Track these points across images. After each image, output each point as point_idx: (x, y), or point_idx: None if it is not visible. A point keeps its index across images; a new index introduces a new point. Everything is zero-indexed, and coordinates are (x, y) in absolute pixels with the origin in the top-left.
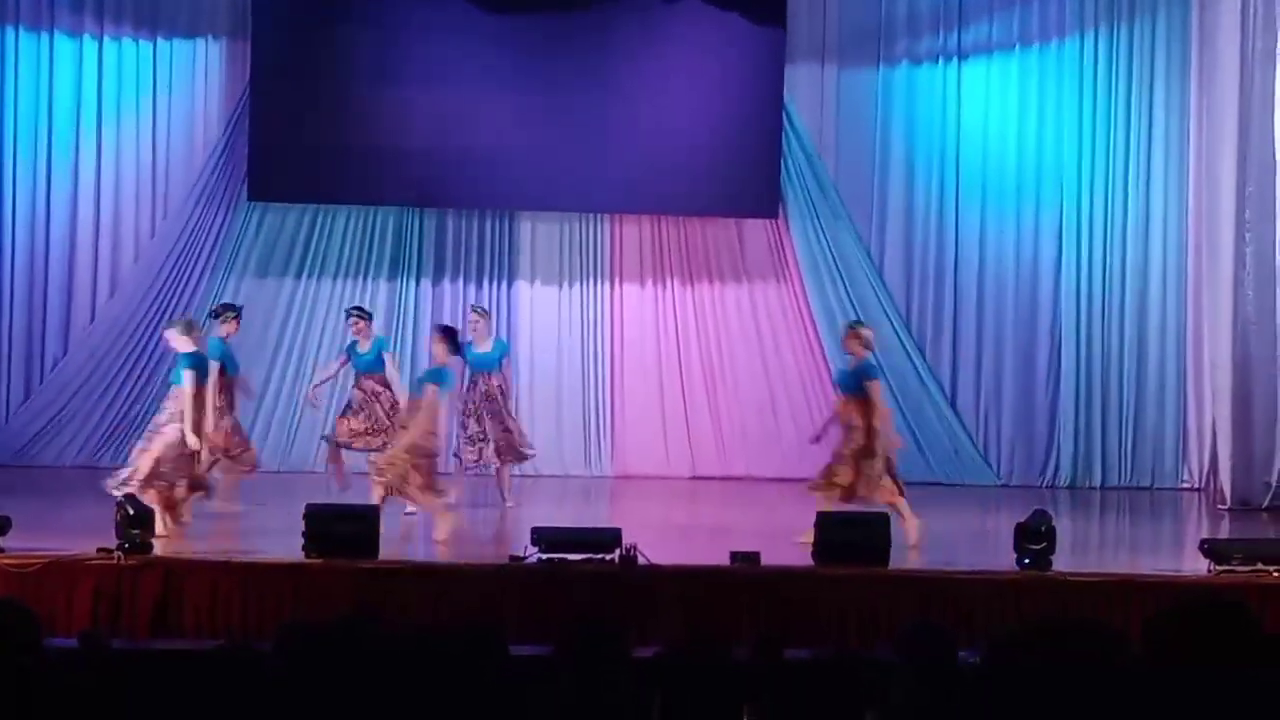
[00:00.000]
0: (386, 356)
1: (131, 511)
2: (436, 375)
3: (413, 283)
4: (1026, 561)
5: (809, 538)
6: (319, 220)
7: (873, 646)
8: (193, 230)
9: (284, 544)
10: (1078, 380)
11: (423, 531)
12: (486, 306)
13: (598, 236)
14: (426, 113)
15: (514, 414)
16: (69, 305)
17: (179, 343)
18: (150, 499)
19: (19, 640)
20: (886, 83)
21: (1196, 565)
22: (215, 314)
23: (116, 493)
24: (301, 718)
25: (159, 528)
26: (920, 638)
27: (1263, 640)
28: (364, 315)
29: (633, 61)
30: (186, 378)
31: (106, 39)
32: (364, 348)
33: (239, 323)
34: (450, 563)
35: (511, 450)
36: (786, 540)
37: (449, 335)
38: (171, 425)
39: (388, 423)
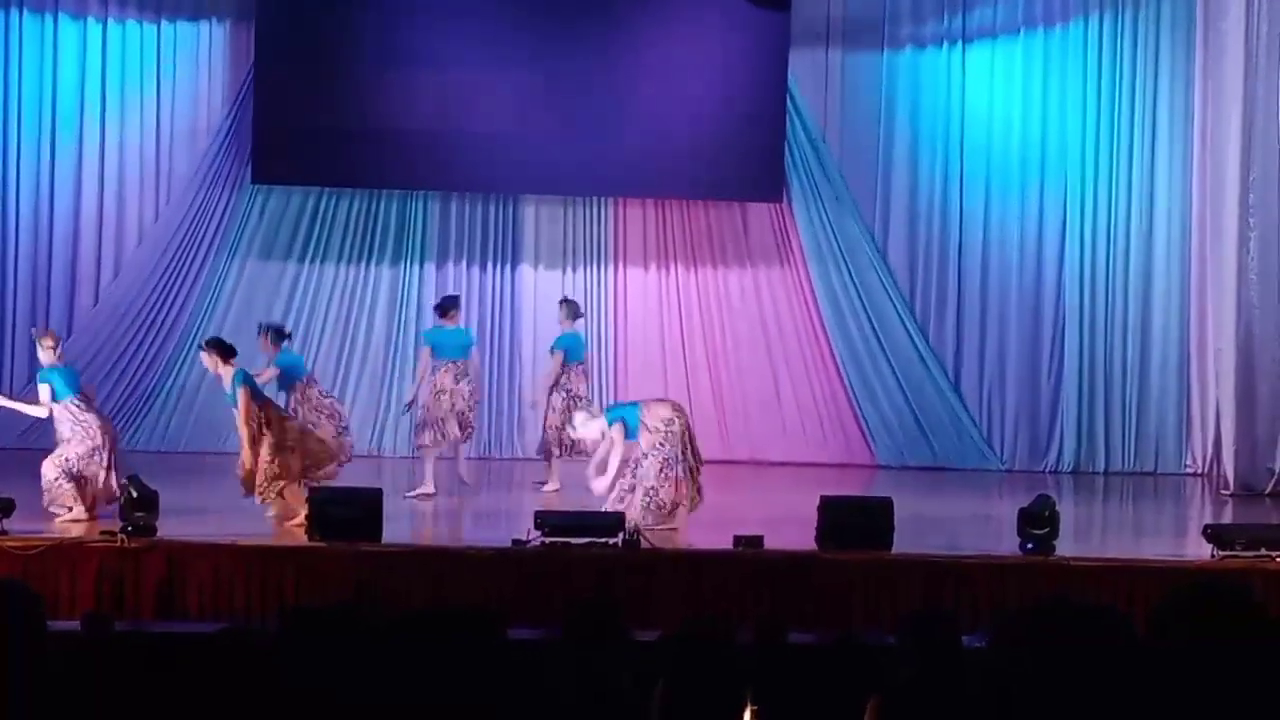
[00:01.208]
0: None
1: (135, 494)
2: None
3: (416, 266)
4: (1030, 546)
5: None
6: (322, 203)
7: (876, 630)
8: (196, 213)
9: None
10: (1081, 365)
11: (428, 515)
12: (574, 295)
13: (601, 220)
14: (430, 96)
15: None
16: (73, 288)
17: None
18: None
19: (23, 622)
20: (891, 67)
21: (1200, 550)
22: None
23: None
24: (304, 700)
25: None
26: (924, 622)
27: (1266, 625)
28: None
29: (637, 45)
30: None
31: (110, 21)
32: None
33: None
34: (453, 546)
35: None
36: (790, 524)
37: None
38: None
39: None
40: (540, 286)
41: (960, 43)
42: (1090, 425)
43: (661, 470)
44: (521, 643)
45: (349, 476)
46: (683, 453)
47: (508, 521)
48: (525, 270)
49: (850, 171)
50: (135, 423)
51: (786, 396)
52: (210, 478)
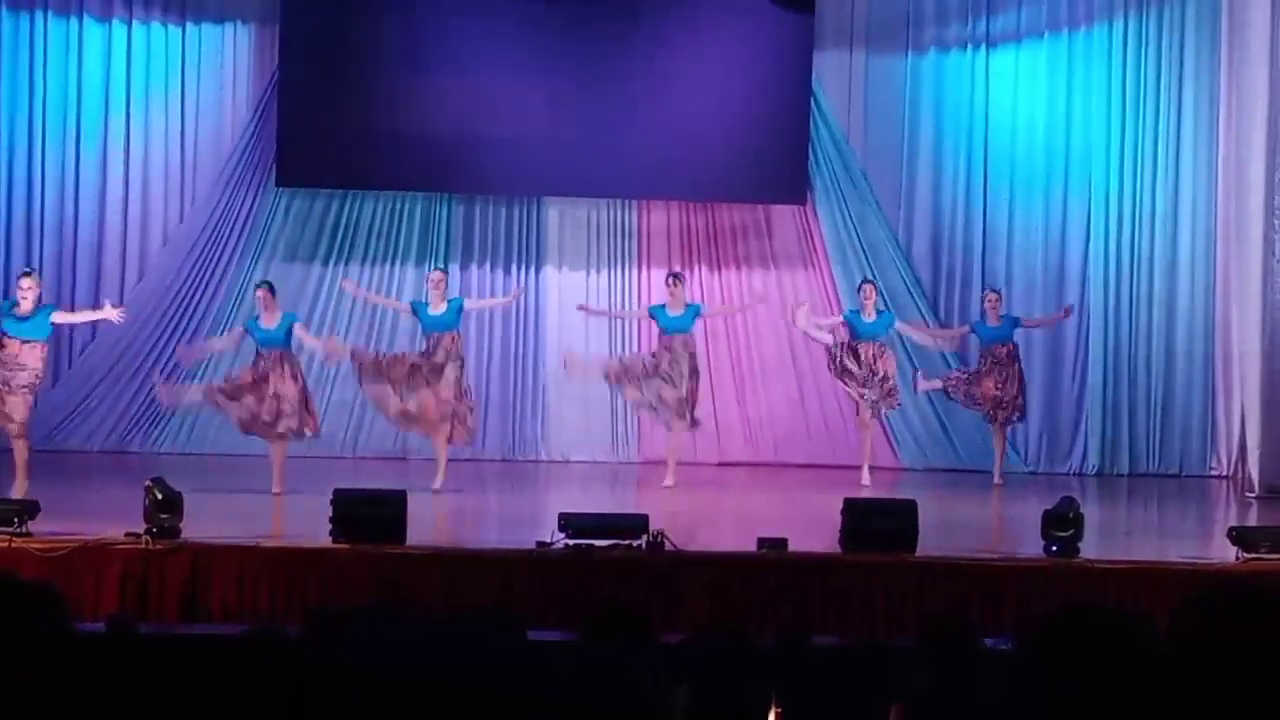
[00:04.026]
0: (298, 329)
1: (160, 496)
2: None
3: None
4: (1054, 549)
5: None
6: (347, 206)
7: (900, 633)
8: (221, 215)
9: (312, 528)
10: (1105, 367)
11: (452, 517)
12: (680, 274)
13: (625, 222)
14: (454, 98)
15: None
16: (97, 290)
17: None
18: None
19: (48, 624)
20: (915, 69)
21: (1225, 553)
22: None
23: None
24: (328, 702)
25: None
26: (943, 626)
27: None
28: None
29: (661, 47)
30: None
31: (135, 24)
32: (267, 322)
33: None
34: (477, 548)
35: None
36: (814, 526)
37: None
38: None
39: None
40: (564, 288)
41: (984, 46)
42: (1114, 427)
43: None
44: (544, 644)
45: (373, 478)
46: None
47: (532, 523)
48: (549, 272)
49: (874, 174)
50: (160, 424)
51: (810, 398)
52: (235, 479)
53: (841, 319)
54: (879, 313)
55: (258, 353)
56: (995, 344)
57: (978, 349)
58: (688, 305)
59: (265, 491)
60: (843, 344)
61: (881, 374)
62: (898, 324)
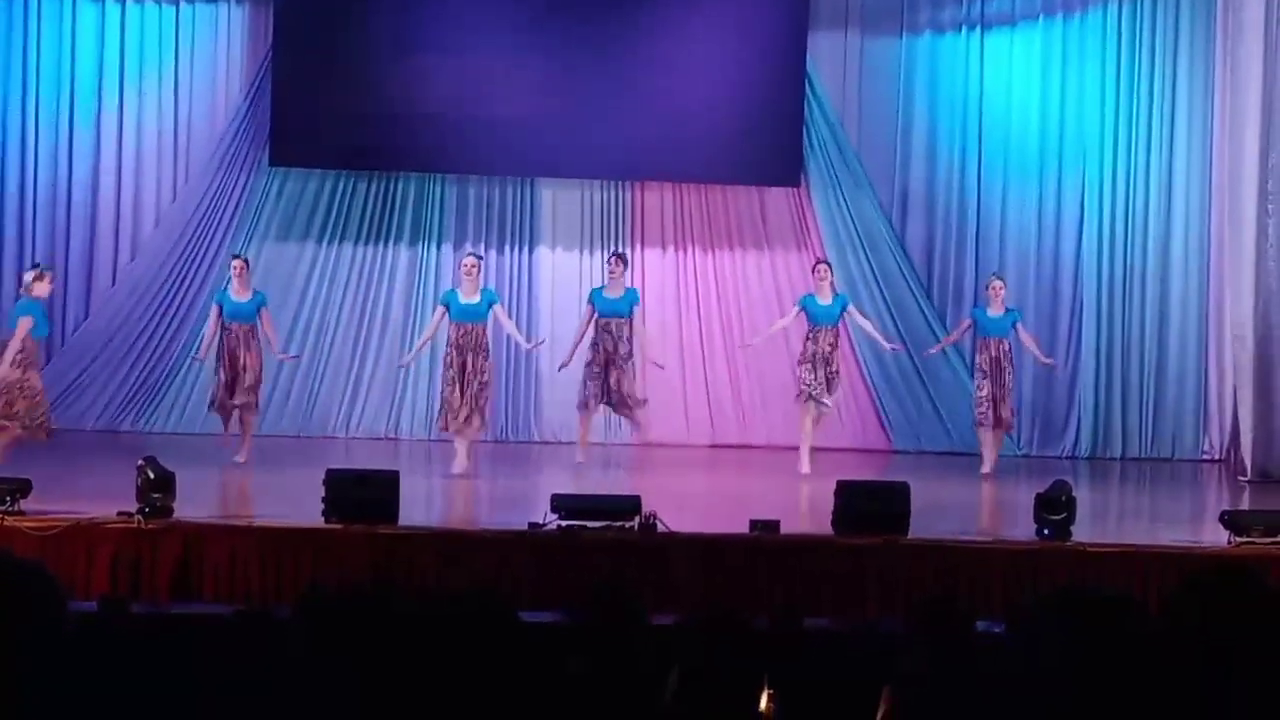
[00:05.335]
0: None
1: (152, 475)
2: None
3: (434, 248)
4: (1046, 532)
5: None
6: (340, 186)
7: (892, 615)
8: (214, 195)
9: (304, 509)
10: (1098, 351)
11: (442, 497)
12: (625, 254)
13: (619, 204)
14: (448, 79)
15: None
16: (90, 269)
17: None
18: None
19: (42, 604)
20: (910, 52)
21: (1217, 537)
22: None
23: None
24: (321, 683)
25: None
26: (934, 610)
27: None
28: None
29: (656, 28)
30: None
31: (129, 3)
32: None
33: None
34: (470, 529)
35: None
36: (807, 508)
37: None
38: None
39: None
40: (558, 269)
41: (979, 28)
42: (1107, 411)
43: None
44: (535, 626)
45: (366, 458)
46: None
47: (524, 504)
48: (543, 253)
49: (868, 157)
50: (153, 404)
51: None
52: (228, 459)
53: (797, 308)
54: (835, 295)
55: (224, 326)
56: (993, 337)
57: (974, 338)
58: (626, 290)
59: (257, 470)
60: (808, 333)
61: (835, 366)
62: (850, 307)
